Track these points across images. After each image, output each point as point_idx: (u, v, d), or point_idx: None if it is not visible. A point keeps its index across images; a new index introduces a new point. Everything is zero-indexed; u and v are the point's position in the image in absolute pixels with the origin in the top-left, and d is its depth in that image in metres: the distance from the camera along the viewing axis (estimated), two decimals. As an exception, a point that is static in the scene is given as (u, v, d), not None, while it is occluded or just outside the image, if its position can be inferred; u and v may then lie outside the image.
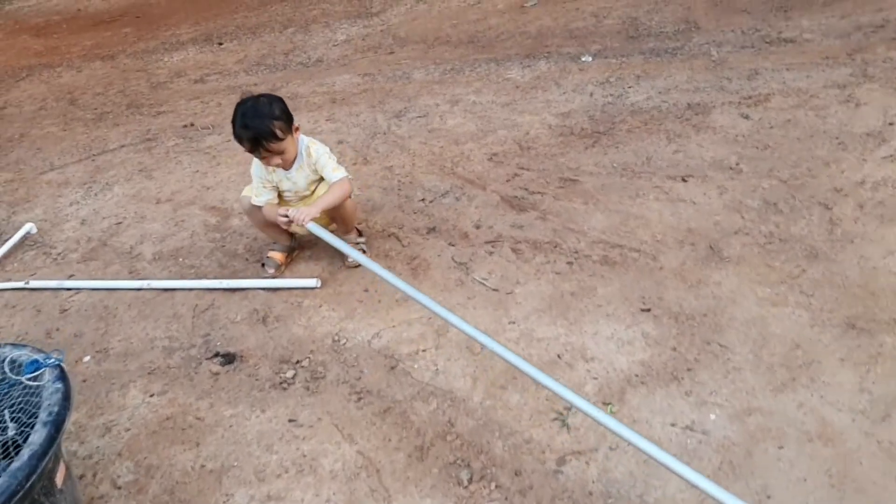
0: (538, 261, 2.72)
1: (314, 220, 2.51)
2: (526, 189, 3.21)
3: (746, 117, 3.48)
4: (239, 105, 2.55)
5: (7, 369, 1.82)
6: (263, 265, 2.95)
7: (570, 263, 2.68)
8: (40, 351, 1.93)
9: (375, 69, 5.11)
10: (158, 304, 2.90)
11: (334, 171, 2.67)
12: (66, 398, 1.72)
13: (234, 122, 2.54)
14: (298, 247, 3.07)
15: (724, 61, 4.13)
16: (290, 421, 2.20)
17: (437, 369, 2.28)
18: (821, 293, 2.33)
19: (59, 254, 3.46)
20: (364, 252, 2.90)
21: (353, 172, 3.59)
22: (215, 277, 2.99)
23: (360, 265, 2.85)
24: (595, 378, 2.15)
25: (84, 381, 2.56)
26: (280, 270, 2.94)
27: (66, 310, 2.99)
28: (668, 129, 3.49)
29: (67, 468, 1.82)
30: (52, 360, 1.84)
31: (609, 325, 2.35)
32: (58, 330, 2.87)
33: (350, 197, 2.75)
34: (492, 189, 3.27)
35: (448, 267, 2.78)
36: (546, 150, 3.53)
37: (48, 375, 1.79)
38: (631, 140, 3.47)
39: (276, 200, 2.82)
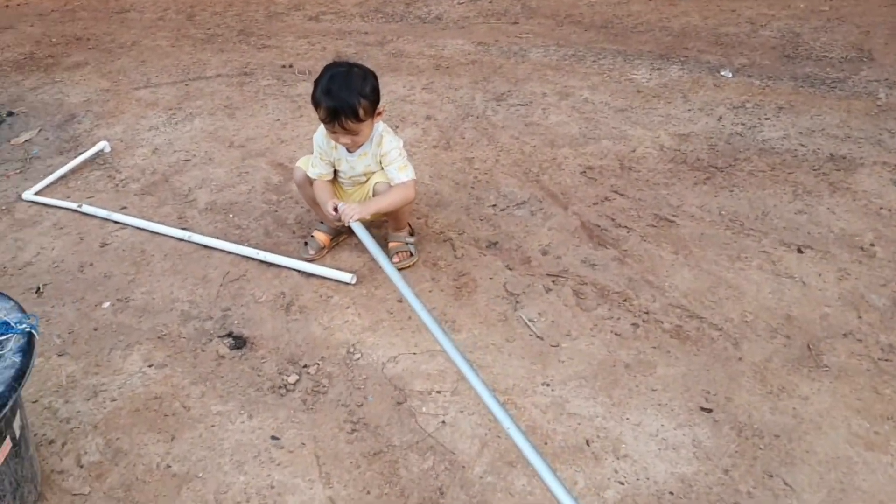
0: (600, 313, 2.37)
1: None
2: (612, 219, 2.83)
3: (901, 185, 2.93)
4: (329, 67, 2.36)
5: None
6: (306, 243, 2.76)
7: (635, 326, 2.31)
8: (20, 310, 1.80)
9: (492, 39, 4.75)
10: (193, 261, 2.78)
11: (400, 171, 2.43)
12: (18, 377, 1.58)
13: (317, 83, 2.34)
14: (347, 230, 2.85)
15: (891, 108, 3.50)
16: (273, 438, 2.00)
17: (445, 420, 2.02)
18: (936, 445, 1.88)
19: (121, 180, 3.41)
20: (411, 255, 2.65)
21: (431, 157, 3.32)
22: (257, 245, 2.83)
23: (405, 268, 2.61)
24: (621, 483, 1.82)
25: (95, 329, 2.48)
26: (321, 254, 2.74)
27: (106, 244, 2.93)
28: (797, 181, 2.98)
29: (18, 443, 1.70)
30: (23, 327, 1.70)
31: (658, 417, 1.99)
32: (91, 265, 2.81)
33: (412, 201, 2.51)
34: (574, 210, 2.91)
35: (497, 295, 2.48)
36: (650, 175, 3.11)
37: (11, 344, 1.66)
38: (750, 185, 2.99)
39: (331, 177, 2.61)
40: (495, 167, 3.25)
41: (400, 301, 2.49)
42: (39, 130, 4.01)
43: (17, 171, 3.59)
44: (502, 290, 2.50)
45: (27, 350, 1.67)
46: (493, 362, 2.20)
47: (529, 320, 2.36)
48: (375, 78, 2.36)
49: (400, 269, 2.58)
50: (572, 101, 3.80)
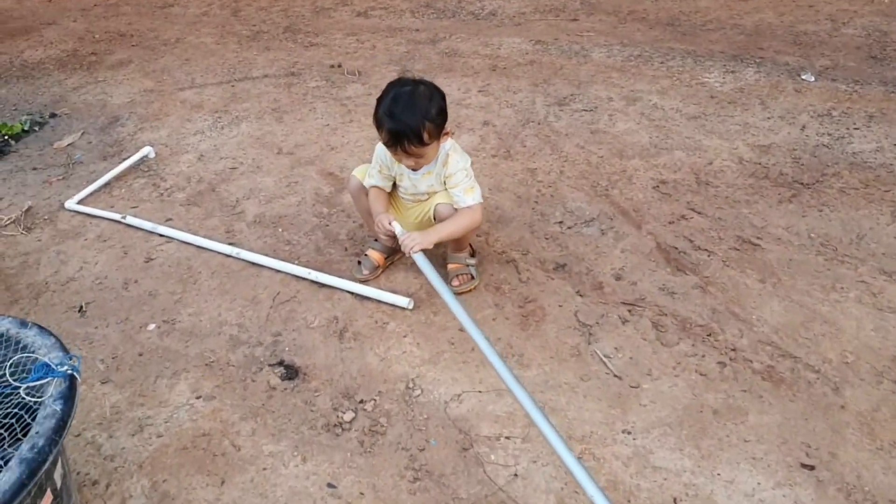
0: (682, 349, 2.19)
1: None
2: (691, 241, 2.64)
3: None
4: (392, 85, 2.22)
5: (9, 372, 1.60)
6: (359, 262, 2.63)
7: (722, 365, 2.13)
8: (61, 348, 1.70)
9: (551, 37, 4.56)
10: (242, 279, 2.67)
11: (466, 194, 2.29)
12: (59, 429, 1.47)
13: (379, 101, 2.21)
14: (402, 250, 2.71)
15: None
16: (330, 486, 1.88)
17: (516, 471, 1.87)
18: None
19: (166, 189, 3.33)
20: (472, 278, 2.50)
21: (491, 168, 3.16)
22: (307, 263, 2.72)
23: (465, 292, 2.47)
24: (717, 553, 1.65)
25: (140, 354, 2.39)
26: (375, 274, 2.61)
27: (151, 259, 2.84)
28: (895, 201, 2.75)
29: (59, 493, 1.60)
30: (64, 370, 1.60)
31: (753, 474, 1.81)
32: (136, 282, 2.72)
33: (479, 226, 2.37)
34: (648, 230, 2.72)
35: (568, 326, 2.31)
36: (729, 192, 2.90)
37: (52, 390, 1.56)
38: (842, 204, 2.77)
39: (389, 189, 2.48)
40: (560, 179, 3.07)
41: (461, 330, 2.34)
42: (82, 133, 3.96)
43: (60, 177, 3.54)
44: (573, 320, 2.34)
45: (68, 396, 1.56)
46: (567, 405, 2.04)
47: (605, 356, 2.19)
48: (443, 97, 2.22)
49: (460, 294, 2.45)
50: (640, 107, 3.60)
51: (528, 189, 3.03)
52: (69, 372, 1.64)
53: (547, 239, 2.73)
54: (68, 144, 3.88)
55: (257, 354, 2.35)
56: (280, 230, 2.95)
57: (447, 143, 2.29)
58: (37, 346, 1.73)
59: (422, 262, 2.16)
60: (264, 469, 1.94)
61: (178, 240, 2.95)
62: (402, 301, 2.44)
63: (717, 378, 2.09)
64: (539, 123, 3.53)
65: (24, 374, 1.66)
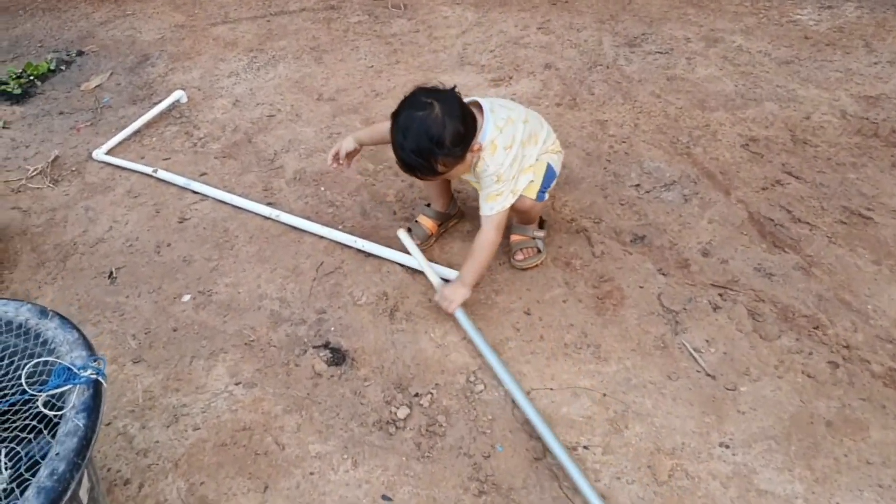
0: (785, 344, 1.91)
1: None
2: (789, 211, 2.32)
3: None
4: (406, 104, 1.85)
5: (26, 373, 1.40)
6: (409, 230, 2.36)
7: (833, 365, 1.85)
8: (85, 345, 1.49)
9: (617, -34, 4.11)
10: (282, 246, 2.44)
11: (488, 201, 1.98)
12: (82, 449, 1.27)
13: (394, 117, 1.86)
14: (458, 214, 2.44)
15: None
16: (385, 499, 1.67)
17: (599, 486, 1.63)
18: None
19: (200, 138, 3.08)
20: (539, 251, 2.23)
21: (555, 118, 2.84)
22: (352, 228, 2.47)
23: (530, 267, 2.20)
24: None
25: (174, 329, 2.19)
26: (427, 243, 2.36)
27: (185, 219, 2.62)
28: None
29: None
30: (88, 374, 1.39)
31: (879, 504, 1.55)
32: (168, 246, 2.51)
33: (534, 201, 2.07)
34: (738, 196, 2.40)
35: (650, 311, 2.04)
36: (831, 152, 2.55)
37: (74, 399, 1.35)
38: (970, 169, 2.40)
39: None
40: (634, 134, 2.74)
41: (528, 313, 2.09)
42: (111, 74, 3.71)
43: (88, 122, 3.31)
44: (657, 305, 2.06)
45: (92, 407, 1.36)
46: (654, 409, 1.79)
47: (695, 350, 1.92)
48: (464, 117, 1.83)
49: (525, 269, 2.18)
50: (722, 49, 3.20)
51: (599, 145, 2.71)
52: (94, 376, 1.43)
53: (622, 205, 2.43)
54: (96, 86, 3.64)
55: (300, 334, 2.13)
56: (322, 189, 2.69)
57: (486, 134, 1.94)
58: (58, 341, 1.52)
59: (462, 318, 1.98)
60: (311, 474, 1.75)
61: (213, 198, 2.71)
62: (455, 275, 2.17)
63: (828, 381, 1.81)
64: (608, 67, 3.17)
65: (45, 377, 1.46)
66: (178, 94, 3.34)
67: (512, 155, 1.95)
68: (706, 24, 3.41)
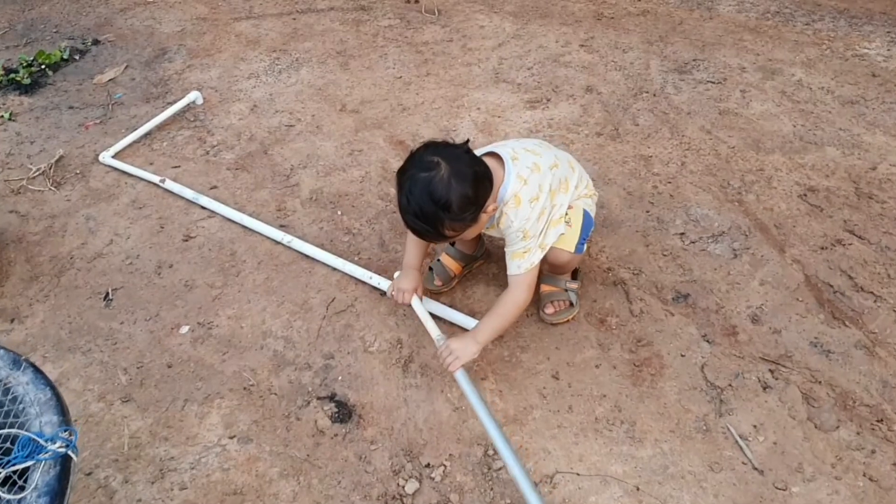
0: (843, 437, 1.72)
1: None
2: (850, 277, 2.12)
3: None
4: (411, 162, 1.66)
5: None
6: (431, 269, 2.19)
7: (900, 468, 1.65)
8: (58, 408, 1.34)
9: (667, -19, 3.90)
10: (292, 276, 2.28)
11: (514, 258, 1.79)
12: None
13: (400, 175, 1.68)
14: (484, 254, 2.27)
15: None
16: (384, 592, 1.50)
17: None
18: None
19: (213, 146, 2.92)
20: (571, 305, 2.05)
21: (595, 149, 2.65)
22: (369, 262, 2.31)
23: (560, 323, 2.02)
24: None
25: (169, 365, 2.04)
26: (449, 285, 2.18)
27: (190, 237, 2.47)
28: None
29: None
30: (53, 451, 1.24)
31: None
32: (170, 267, 2.36)
33: (572, 255, 1.88)
34: (794, 255, 2.20)
35: (692, 386, 1.85)
36: (899, 209, 2.34)
37: (37, 478, 1.20)
38: None
39: None
40: (681, 174, 2.55)
41: (556, 377, 1.91)
42: (126, 67, 3.57)
43: (98, 120, 3.16)
44: (700, 378, 1.87)
45: (57, 491, 1.20)
46: (695, 502, 1.60)
47: (741, 437, 1.73)
48: (475, 178, 1.64)
49: (555, 324, 2.00)
50: (781, 83, 2.99)
51: (642, 184, 2.51)
52: (62, 449, 1.27)
53: (665, 256, 2.24)
54: (109, 80, 3.50)
55: (304, 381, 1.97)
56: (339, 213, 2.53)
57: (508, 188, 1.76)
58: (28, 400, 1.37)
59: (463, 381, 1.75)
60: (305, 554, 1.58)
61: (221, 215, 2.55)
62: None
63: (894, 487, 1.62)
64: (654, 95, 2.97)
65: (6, 445, 1.31)
66: (193, 96, 3.18)
67: (539, 207, 1.77)
68: (763, 52, 3.19)
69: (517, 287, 1.79)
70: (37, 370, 1.42)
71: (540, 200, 1.77)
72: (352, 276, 2.25)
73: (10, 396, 1.37)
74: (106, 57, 3.69)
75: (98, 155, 2.90)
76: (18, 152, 2.98)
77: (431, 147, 1.68)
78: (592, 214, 1.99)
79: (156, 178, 2.73)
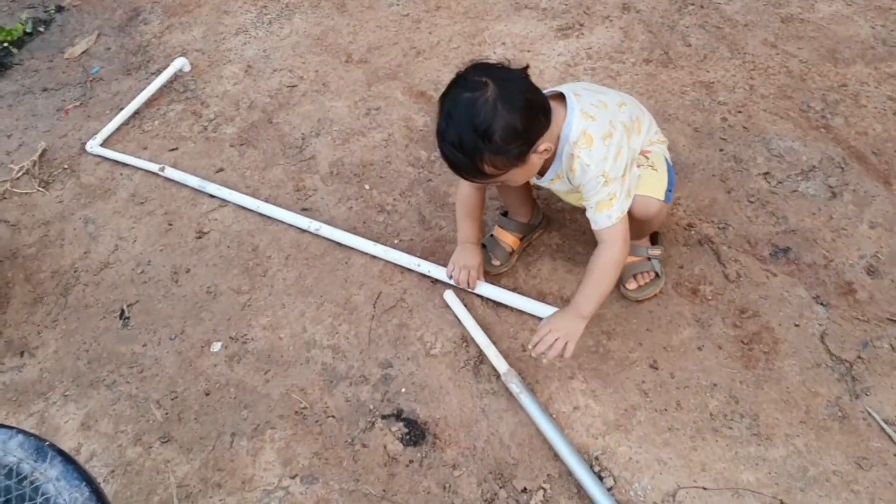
0: None
1: None
2: (973, 207, 1.81)
3: None
4: (455, 82, 1.39)
5: None
6: (484, 246, 1.89)
7: None
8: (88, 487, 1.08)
9: None
10: (327, 270, 1.99)
11: (599, 211, 1.48)
12: None
13: (442, 99, 1.40)
14: (543, 222, 1.96)
15: None
16: None
17: None
18: None
19: (210, 119, 2.58)
20: (657, 276, 1.76)
21: (644, 81, 2.31)
22: (411, 243, 2.02)
23: (646, 298, 1.74)
24: None
25: (207, 393, 1.78)
26: (508, 263, 1.89)
27: (203, 233, 2.17)
28: None
29: None
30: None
31: None
32: (187, 272, 2.07)
33: (661, 203, 1.57)
34: (902, 186, 1.90)
35: (815, 363, 1.59)
36: None
37: None
38: None
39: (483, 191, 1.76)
40: (751, 100, 2.21)
41: (654, 367, 1.64)
42: (98, 35, 3.16)
43: (77, 101, 2.80)
44: (822, 352, 1.61)
45: None
46: (847, 518, 1.36)
47: (885, 421, 1.47)
48: (528, 107, 1.36)
49: (640, 300, 1.72)
50: (846, -24, 2.59)
51: (709, 117, 2.18)
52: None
53: (751, 202, 1.93)
54: (82, 52, 3.10)
55: (364, 398, 1.71)
56: (367, 187, 2.21)
57: (571, 133, 1.44)
58: (62, 496, 1.11)
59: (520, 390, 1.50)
60: None
61: (234, 203, 2.24)
62: (550, 312, 1.70)
63: None
64: (702, 7, 2.58)
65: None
66: (179, 63, 2.80)
67: (615, 145, 1.46)
68: (818, -60, 2.77)
69: (612, 242, 1.50)
70: (67, 459, 1.16)
71: (615, 137, 1.46)
72: (396, 265, 1.96)
73: (40, 499, 1.11)
74: (74, 25, 3.27)
75: (85, 144, 2.56)
76: (-5, 150, 2.63)
77: (482, 66, 1.40)
78: (670, 162, 1.68)
79: (154, 167, 2.40)
